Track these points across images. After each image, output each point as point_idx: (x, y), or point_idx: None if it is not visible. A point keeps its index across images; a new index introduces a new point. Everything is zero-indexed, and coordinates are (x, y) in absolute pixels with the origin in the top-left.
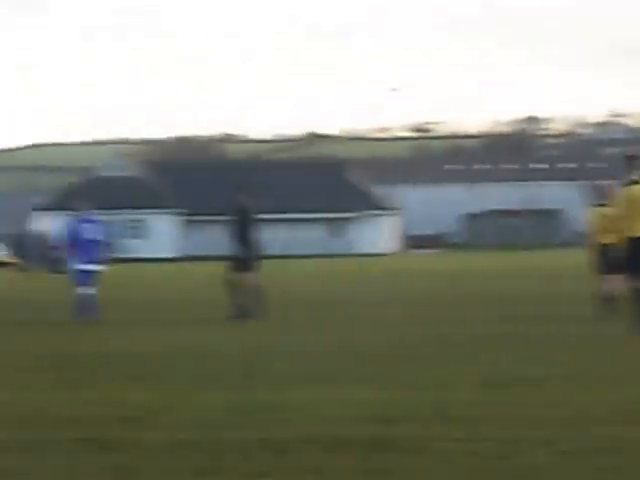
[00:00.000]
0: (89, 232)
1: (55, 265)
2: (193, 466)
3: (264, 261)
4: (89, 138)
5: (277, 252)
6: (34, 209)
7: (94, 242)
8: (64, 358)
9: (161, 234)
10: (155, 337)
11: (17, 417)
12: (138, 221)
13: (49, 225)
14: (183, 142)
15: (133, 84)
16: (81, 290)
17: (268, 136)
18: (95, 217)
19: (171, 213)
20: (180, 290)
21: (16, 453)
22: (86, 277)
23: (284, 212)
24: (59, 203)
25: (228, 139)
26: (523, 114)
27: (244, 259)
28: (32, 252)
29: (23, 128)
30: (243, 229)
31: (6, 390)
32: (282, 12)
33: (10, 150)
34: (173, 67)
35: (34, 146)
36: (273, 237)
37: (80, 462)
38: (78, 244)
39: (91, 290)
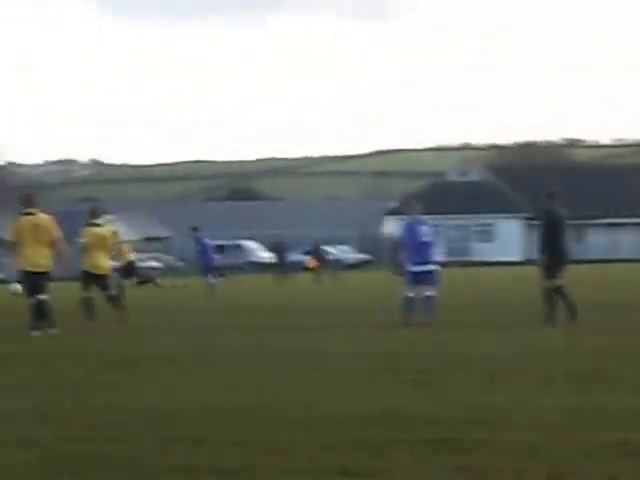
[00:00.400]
0: (423, 234)
1: (400, 267)
2: (547, 470)
3: (588, 266)
4: (433, 144)
5: (625, 256)
6: (385, 213)
7: (427, 244)
8: (411, 359)
9: (508, 238)
10: (500, 339)
11: (370, 417)
12: (486, 225)
13: (396, 229)
14: (526, 147)
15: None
16: (412, 292)
17: (608, 141)
18: (426, 219)
19: (518, 217)
20: (522, 294)
21: (367, 452)
22: (420, 278)
23: (634, 216)
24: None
25: (572, 144)
26: None
27: (553, 265)
28: (385, 256)
29: (370, 135)
30: (552, 235)
31: (361, 391)
32: None
33: (358, 156)
34: None
35: (381, 152)
36: (620, 241)
37: (431, 463)
38: (413, 246)
39: (427, 291)
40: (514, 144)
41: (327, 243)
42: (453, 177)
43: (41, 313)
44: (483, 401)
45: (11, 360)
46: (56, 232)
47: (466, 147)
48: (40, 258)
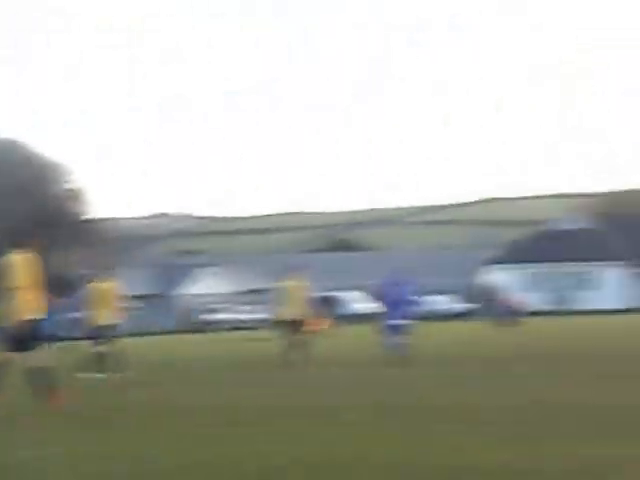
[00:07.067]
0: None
1: (502, 317)
2: None
3: None
4: (530, 193)
5: None
6: (484, 263)
7: None
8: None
9: (610, 286)
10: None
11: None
12: (587, 273)
13: (499, 278)
14: (632, 194)
15: None
16: None
17: None
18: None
19: (620, 265)
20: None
21: None
22: None
23: None
24: (509, 257)
25: None
26: None
27: None
28: (482, 304)
29: (472, 184)
30: None
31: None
32: None
33: (460, 205)
34: None
35: (483, 201)
36: None
37: None
38: None
39: None
40: (616, 192)
41: (430, 293)
42: (557, 225)
43: None
44: (586, 453)
45: None
46: None
47: (563, 195)
48: None
